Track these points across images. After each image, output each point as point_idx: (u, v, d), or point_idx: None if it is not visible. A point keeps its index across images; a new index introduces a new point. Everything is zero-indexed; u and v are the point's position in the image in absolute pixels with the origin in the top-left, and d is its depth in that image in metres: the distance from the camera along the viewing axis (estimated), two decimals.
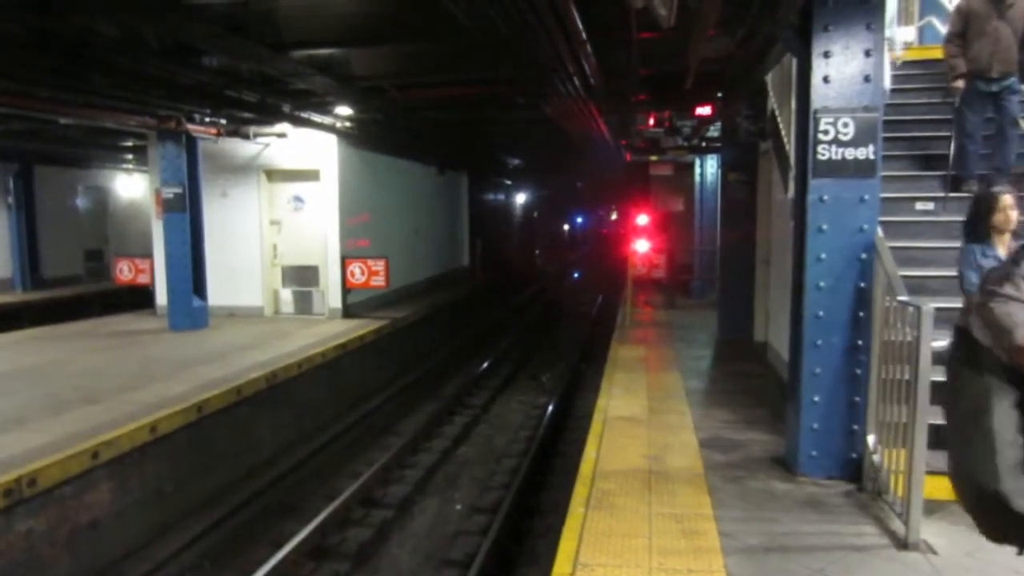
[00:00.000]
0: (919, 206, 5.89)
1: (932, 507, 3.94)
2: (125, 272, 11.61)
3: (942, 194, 5.89)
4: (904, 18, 8.67)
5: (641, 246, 14.30)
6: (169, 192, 10.10)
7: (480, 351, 13.16)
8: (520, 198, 29.07)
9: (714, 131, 12.11)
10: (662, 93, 9.03)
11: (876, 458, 4.27)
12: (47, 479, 4.81)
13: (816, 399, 4.52)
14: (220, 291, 11.04)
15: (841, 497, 4.31)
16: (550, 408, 9.22)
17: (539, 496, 6.95)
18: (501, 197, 26.33)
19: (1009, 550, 2.67)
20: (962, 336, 2.64)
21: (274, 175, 11.63)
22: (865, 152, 4.41)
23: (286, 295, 11.84)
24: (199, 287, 10.44)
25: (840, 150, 4.42)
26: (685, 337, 9.96)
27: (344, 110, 10.34)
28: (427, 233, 15.78)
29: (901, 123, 6.61)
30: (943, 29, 7.28)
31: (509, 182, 26.20)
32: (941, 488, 4.13)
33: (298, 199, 11.64)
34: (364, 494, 6.63)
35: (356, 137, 11.63)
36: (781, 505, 4.22)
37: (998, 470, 2.40)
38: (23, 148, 13.95)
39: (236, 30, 6.47)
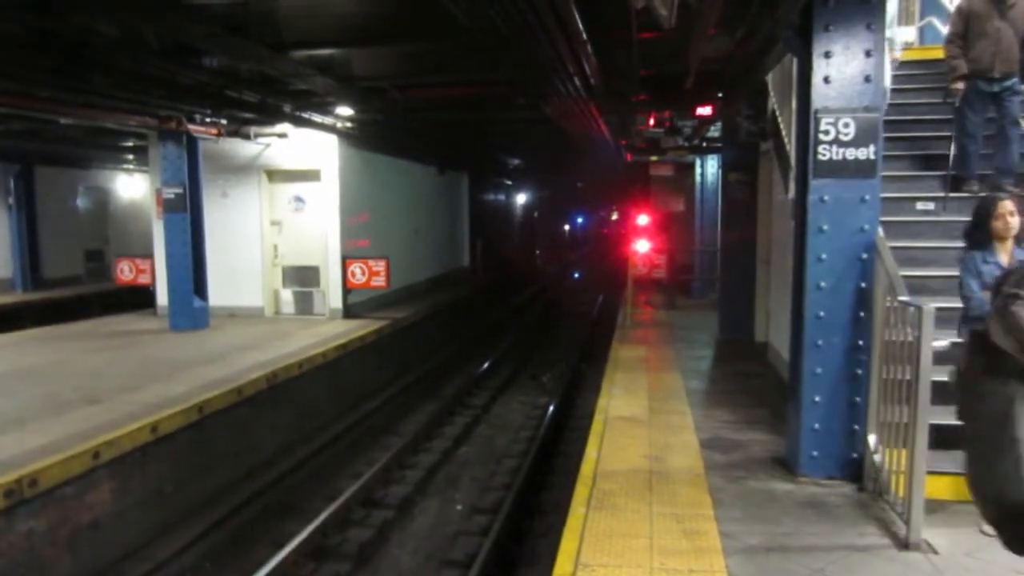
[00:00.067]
0: (919, 206, 5.88)
1: (933, 507, 3.94)
2: (126, 272, 11.61)
3: (942, 194, 5.89)
4: (904, 18, 8.66)
5: (642, 246, 14.30)
6: (170, 192, 10.11)
7: (481, 351, 13.15)
8: (520, 198, 29.07)
9: (715, 131, 12.11)
10: (662, 93, 9.03)
11: (877, 458, 4.27)
12: (48, 479, 4.82)
13: (817, 399, 4.52)
14: (221, 291, 11.04)
15: (842, 497, 4.31)
16: (551, 408, 9.22)
17: (540, 496, 6.95)
18: (501, 197, 26.34)
19: None
20: (980, 342, 2.52)
21: (275, 175, 11.63)
22: (866, 152, 4.41)
23: (287, 295, 11.84)
24: (200, 287, 10.44)
25: (841, 150, 4.42)
26: (686, 337, 9.96)
27: (345, 110, 10.34)
28: (427, 233, 15.78)
29: (901, 123, 6.61)
30: (943, 29, 7.27)
31: (509, 182, 26.21)
32: (942, 488, 4.15)
33: (299, 199, 11.65)
34: (365, 494, 6.63)
35: (357, 137, 11.64)
36: (782, 505, 4.22)
37: None
38: (24, 148, 13.96)
39: (236, 30, 6.47)
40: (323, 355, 8.75)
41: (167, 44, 6.93)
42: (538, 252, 31.84)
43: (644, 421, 5.90)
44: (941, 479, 4.14)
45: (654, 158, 15.88)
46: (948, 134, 6.08)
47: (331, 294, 11.39)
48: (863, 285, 4.42)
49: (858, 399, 4.46)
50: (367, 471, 7.00)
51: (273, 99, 9.23)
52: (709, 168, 14.87)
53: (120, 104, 8.63)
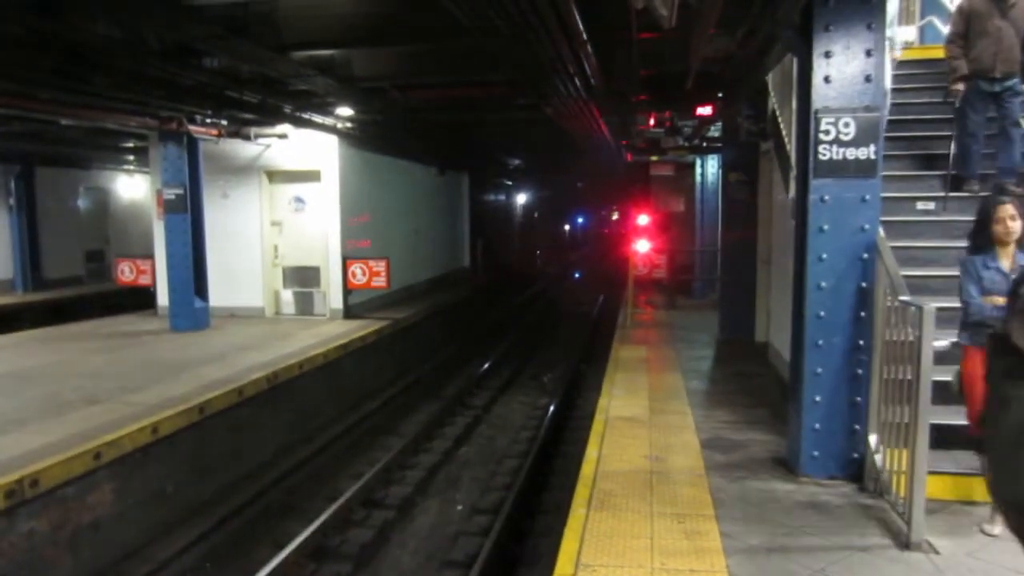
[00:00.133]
0: (920, 206, 5.88)
1: (934, 507, 3.94)
2: (126, 273, 11.62)
3: (943, 194, 5.88)
4: (905, 18, 8.65)
5: (642, 246, 14.31)
6: (170, 193, 10.11)
7: (481, 352, 13.14)
8: (521, 198, 29.07)
9: (715, 131, 12.12)
10: (663, 93, 9.03)
11: (878, 458, 4.27)
12: (49, 480, 4.82)
13: (818, 399, 4.52)
14: (221, 292, 11.04)
15: (843, 497, 4.30)
16: (551, 408, 9.22)
17: (540, 496, 6.94)
18: (502, 197, 26.34)
19: (1011, 549, 2.65)
20: (1001, 345, 2.38)
21: (275, 176, 11.63)
22: (866, 152, 4.41)
23: (287, 296, 11.84)
24: (200, 288, 10.45)
25: (841, 150, 4.42)
26: (686, 337, 9.96)
27: (345, 111, 10.35)
28: (428, 234, 15.78)
29: (902, 123, 6.61)
30: (944, 29, 7.27)
31: (510, 182, 26.21)
32: (943, 488, 4.15)
33: (299, 200, 11.65)
34: (365, 494, 6.62)
35: (357, 138, 11.64)
36: (782, 505, 4.22)
37: None
38: (24, 149, 13.98)
39: (236, 31, 6.47)
40: (324, 355, 8.75)
41: (168, 45, 6.94)
42: (538, 252, 31.83)
43: (645, 421, 5.90)
44: (942, 479, 4.14)
45: (654, 158, 15.87)
46: (948, 133, 6.07)
47: (331, 294, 11.38)
48: (864, 285, 4.42)
49: (859, 399, 4.46)
50: (368, 471, 7.00)
51: (273, 100, 9.24)
52: (709, 168, 14.87)
53: (121, 105, 8.64)
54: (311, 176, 11.42)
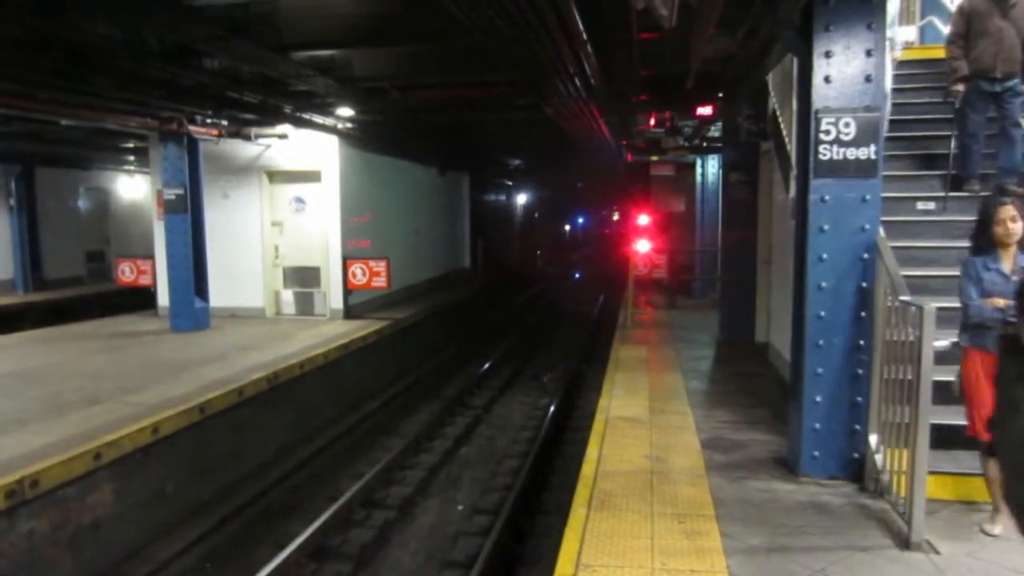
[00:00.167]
0: (920, 206, 5.88)
1: (935, 507, 3.94)
2: (127, 273, 11.62)
3: (943, 194, 5.88)
4: (905, 18, 8.65)
5: (642, 246, 14.31)
6: (171, 193, 10.12)
7: (482, 352, 13.14)
8: (521, 199, 29.08)
9: (715, 131, 12.11)
10: (663, 93, 9.04)
11: (878, 458, 4.27)
12: (50, 480, 4.82)
13: (818, 399, 4.52)
14: (221, 292, 11.04)
15: (843, 497, 4.30)
16: (552, 409, 9.21)
17: (541, 496, 6.94)
18: (502, 198, 26.35)
19: (1011, 549, 2.66)
20: (1013, 347, 2.36)
21: (275, 176, 11.63)
22: (866, 152, 4.41)
23: (287, 296, 11.84)
24: (200, 288, 10.45)
25: (841, 150, 4.42)
26: (686, 337, 9.96)
27: (345, 111, 10.35)
28: (428, 234, 15.78)
29: (902, 123, 6.60)
30: (944, 29, 7.26)
31: (510, 183, 26.22)
32: (944, 488, 4.15)
33: (299, 200, 11.65)
34: (366, 495, 6.63)
35: (357, 138, 11.64)
36: (783, 505, 4.22)
37: None
38: (25, 150, 13.98)
39: (237, 32, 6.47)
40: (324, 355, 8.76)
41: (168, 46, 6.94)
42: (539, 252, 31.84)
43: (645, 421, 5.90)
44: (943, 479, 4.14)
45: (655, 158, 15.88)
46: (949, 133, 6.07)
47: (332, 295, 11.38)
48: (864, 285, 4.42)
49: (859, 399, 4.46)
50: (368, 471, 7.00)
51: (274, 100, 9.24)
52: (710, 168, 14.86)
53: (121, 105, 8.64)
54: (311, 176, 11.42)
